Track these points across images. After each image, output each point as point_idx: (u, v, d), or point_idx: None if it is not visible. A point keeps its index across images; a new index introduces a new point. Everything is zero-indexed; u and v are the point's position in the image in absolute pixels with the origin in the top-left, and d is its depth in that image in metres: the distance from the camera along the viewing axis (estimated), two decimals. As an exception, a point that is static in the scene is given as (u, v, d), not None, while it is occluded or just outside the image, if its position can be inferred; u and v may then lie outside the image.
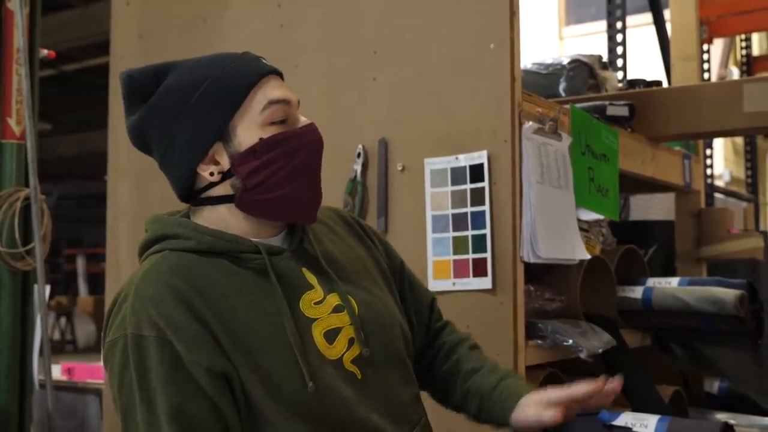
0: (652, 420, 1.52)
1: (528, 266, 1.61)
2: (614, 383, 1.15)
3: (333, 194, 1.74)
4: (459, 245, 1.61)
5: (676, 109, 2.11)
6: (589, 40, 6.97)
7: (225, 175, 1.08)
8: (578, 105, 1.89)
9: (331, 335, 1.08)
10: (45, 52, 2.48)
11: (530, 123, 1.62)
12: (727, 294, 1.82)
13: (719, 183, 5.17)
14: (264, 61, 1.12)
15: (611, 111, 2.03)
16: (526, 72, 2.19)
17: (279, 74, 1.12)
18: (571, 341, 1.62)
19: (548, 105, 1.76)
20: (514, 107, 1.59)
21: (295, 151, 1.08)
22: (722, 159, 6.84)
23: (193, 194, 1.12)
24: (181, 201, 1.15)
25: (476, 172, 1.60)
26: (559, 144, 1.71)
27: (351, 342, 1.09)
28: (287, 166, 1.07)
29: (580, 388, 1.14)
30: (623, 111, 2.06)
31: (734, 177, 6.74)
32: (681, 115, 2.11)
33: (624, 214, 2.90)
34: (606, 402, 1.17)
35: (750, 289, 1.87)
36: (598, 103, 2.04)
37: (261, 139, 1.06)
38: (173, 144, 1.09)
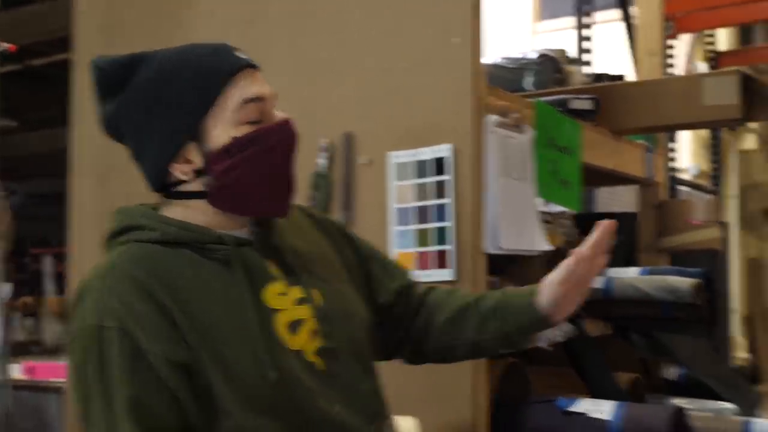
0: (608, 406, 1.56)
1: (492, 258, 1.63)
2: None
3: (298, 188, 1.75)
4: (423, 238, 1.63)
5: (638, 103, 2.14)
6: (561, 35, 7.01)
7: (198, 173, 1.07)
8: (543, 99, 1.92)
9: (294, 326, 1.08)
10: (5, 45, 2.44)
11: (493, 116, 1.64)
12: (684, 282, 1.86)
13: (686, 176, 5.24)
14: (238, 54, 1.10)
15: (575, 104, 2.06)
16: (495, 66, 2.21)
17: (254, 66, 1.10)
18: (533, 331, 1.64)
19: (511, 98, 1.78)
20: (478, 101, 1.61)
21: (269, 149, 1.07)
22: (690, 153, 6.93)
23: (165, 188, 1.11)
24: (155, 192, 1.14)
25: (440, 165, 1.62)
26: (522, 137, 1.74)
27: (314, 334, 1.10)
28: (261, 164, 1.06)
29: (577, 255, 1.22)
30: (587, 105, 2.09)
31: (703, 171, 6.84)
32: (642, 109, 2.14)
33: (590, 206, 2.94)
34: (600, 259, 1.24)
35: (706, 278, 1.92)
36: (562, 96, 2.07)
37: (234, 138, 1.05)
38: (145, 141, 1.08)
